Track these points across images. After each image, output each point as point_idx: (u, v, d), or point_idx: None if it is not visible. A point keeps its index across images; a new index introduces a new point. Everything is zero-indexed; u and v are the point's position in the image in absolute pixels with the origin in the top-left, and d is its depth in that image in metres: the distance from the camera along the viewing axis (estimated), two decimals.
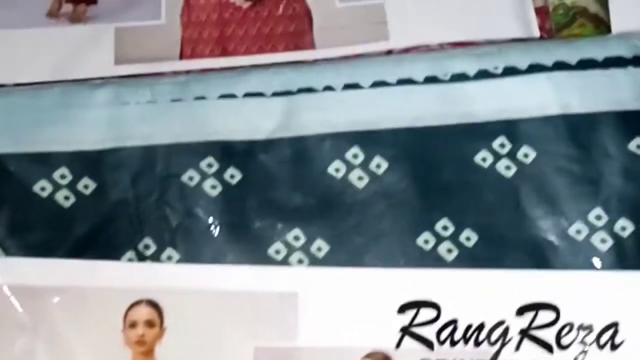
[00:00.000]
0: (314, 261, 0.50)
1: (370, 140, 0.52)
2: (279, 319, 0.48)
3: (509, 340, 0.48)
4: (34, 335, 0.49)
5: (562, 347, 0.48)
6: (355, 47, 0.57)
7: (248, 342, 0.48)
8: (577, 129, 0.52)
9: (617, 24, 0.57)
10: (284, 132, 0.53)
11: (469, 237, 0.51)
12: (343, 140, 0.53)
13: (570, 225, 0.51)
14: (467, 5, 0.58)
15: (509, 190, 0.51)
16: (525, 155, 0.52)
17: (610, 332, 0.48)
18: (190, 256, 0.50)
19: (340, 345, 0.48)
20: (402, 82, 0.54)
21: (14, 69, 0.57)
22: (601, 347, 0.48)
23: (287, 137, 0.53)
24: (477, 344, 0.48)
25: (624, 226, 0.50)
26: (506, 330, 0.48)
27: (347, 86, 0.54)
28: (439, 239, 0.51)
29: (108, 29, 0.58)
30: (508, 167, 0.52)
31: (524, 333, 0.48)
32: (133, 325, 0.48)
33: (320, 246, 0.51)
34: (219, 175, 0.52)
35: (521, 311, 0.48)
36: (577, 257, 0.50)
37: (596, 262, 0.50)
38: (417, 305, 0.49)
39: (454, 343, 0.48)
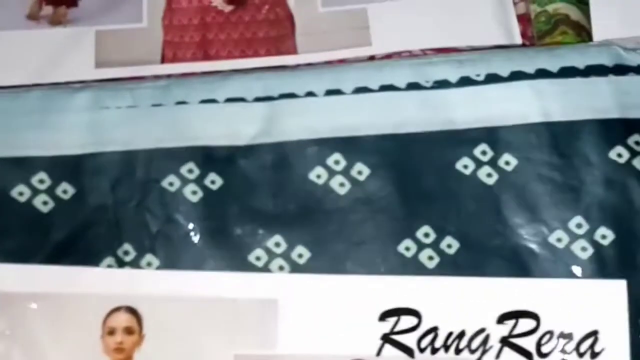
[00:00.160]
0: (295, 268, 0.50)
1: (352, 146, 0.52)
2: (259, 326, 0.48)
3: (490, 348, 0.48)
4: (11, 342, 0.48)
5: (543, 355, 0.48)
6: (338, 52, 0.57)
7: (228, 350, 0.48)
8: (558, 137, 0.52)
9: (599, 31, 0.57)
10: (265, 137, 0.53)
11: (450, 244, 0.51)
12: (324, 146, 0.52)
13: (551, 233, 0.51)
14: (449, 12, 0.58)
15: (490, 197, 0.51)
16: (507, 163, 0.52)
17: (590, 340, 0.48)
18: (170, 262, 0.50)
19: (321, 353, 0.48)
20: (384, 88, 0.54)
21: None
22: (581, 355, 0.48)
23: (269, 143, 0.52)
24: (458, 351, 0.48)
25: (605, 234, 0.50)
26: (487, 338, 0.48)
27: (329, 92, 0.54)
28: (420, 246, 0.51)
29: (89, 31, 0.58)
30: (489, 175, 0.52)
31: (505, 341, 0.48)
32: (112, 332, 0.48)
33: (301, 253, 0.50)
34: (199, 180, 0.52)
35: (502, 319, 0.48)
36: (558, 265, 0.50)
37: (576, 270, 0.50)
38: (398, 312, 0.48)
39: (434, 351, 0.48)
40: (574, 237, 0.51)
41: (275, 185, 0.52)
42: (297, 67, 0.57)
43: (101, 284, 0.49)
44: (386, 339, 0.48)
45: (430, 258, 0.50)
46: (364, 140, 0.52)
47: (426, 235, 0.51)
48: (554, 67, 0.54)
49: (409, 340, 0.48)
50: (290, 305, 0.48)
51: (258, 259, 0.50)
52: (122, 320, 0.48)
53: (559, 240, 0.50)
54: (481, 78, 0.54)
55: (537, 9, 0.59)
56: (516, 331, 0.48)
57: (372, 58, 0.57)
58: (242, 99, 0.53)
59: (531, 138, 0.52)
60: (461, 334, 0.48)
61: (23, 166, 0.52)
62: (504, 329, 0.48)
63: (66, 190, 0.51)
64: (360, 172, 0.52)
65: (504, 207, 0.51)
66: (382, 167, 0.52)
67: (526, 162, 0.52)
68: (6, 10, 0.58)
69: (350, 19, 0.58)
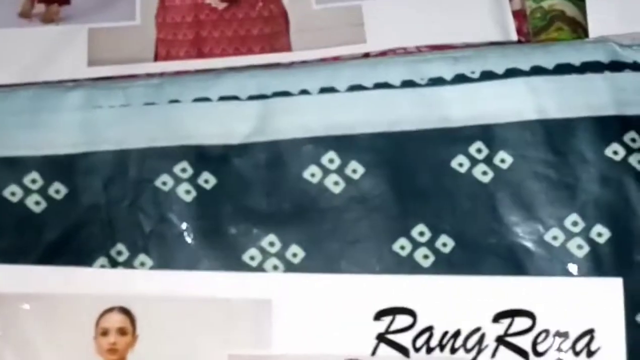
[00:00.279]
0: (290, 267, 0.50)
1: (347, 144, 0.52)
2: (253, 326, 0.48)
3: (485, 347, 0.48)
4: (3, 343, 0.48)
5: (538, 354, 0.48)
6: (332, 49, 0.57)
7: (222, 350, 0.48)
8: (554, 134, 0.52)
9: (595, 28, 0.57)
10: (259, 136, 0.52)
11: (445, 243, 0.50)
12: (319, 144, 0.52)
13: (546, 231, 0.50)
14: (444, 8, 0.58)
15: (485, 195, 0.51)
16: (502, 161, 0.52)
17: (586, 339, 0.48)
18: (163, 262, 0.50)
19: (315, 353, 0.48)
20: (378, 85, 0.53)
21: None
22: (577, 353, 0.48)
23: (262, 142, 0.52)
24: (453, 350, 0.48)
25: (600, 232, 0.50)
26: (482, 337, 0.48)
27: (323, 90, 0.53)
28: (415, 245, 0.50)
29: (81, 29, 0.57)
30: (485, 173, 0.52)
31: (500, 340, 0.48)
32: (105, 332, 0.48)
33: (296, 252, 0.50)
34: (193, 180, 0.51)
35: (497, 318, 0.48)
36: (554, 263, 0.50)
37: (572, 268, 0.50)
38: (393, 312, 0.48)
39: (430, 350, 0.48)
40: (569, 235, 0.50)
41: (270, 184, 0.51)
42: (291, 64, 0.56)
43: (94, 284, 0.49)
44: (381, 338, 0.48)
45: (426, 257, 0.50)
46: (358, 139, 0.52)
47: (421, 234, 0.50)
48: (549, 64, 0.54)
49: (404, 339, 0.48)
50: (285, 305, 0.48)
51: (252, 258, 0.50)
52: (116, 320, 0.48)
53: (554, 238, 0.50)
54: (476, 75, 0.53)
55: (533, 5, 0.58)
56: (512, 330, 0.48)
57: (366, 55, 0.57)
58: (235, 97, 0.53)
59: (526, 135, 0.52)
60: (456, 333, 0.48)
61: (15, 166, 0.51)
62: (500, 328, 0.48)
63: (58, 190, 0.51)
64: (354, 171, 0.52)
65: (500, 205, 0.51)
66: (377, 165, 0.52)
67: (521, 159, 0.52)
68: None
69: (344, 16, 0.58)
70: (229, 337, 0.48)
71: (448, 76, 0.54)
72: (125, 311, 0.48)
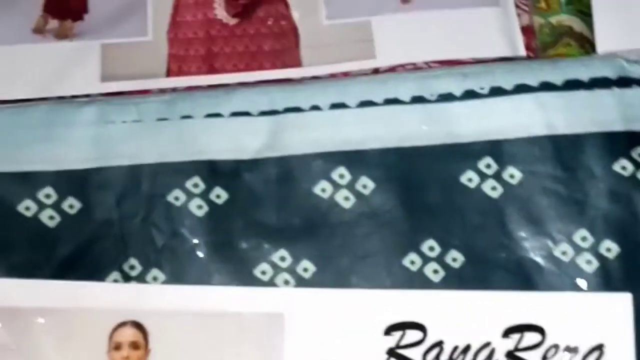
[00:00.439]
0: (301, 282, 0.50)
1: (357, 160, 0.52)
2: (265, 341, 0.48)
3: None
4: (17, 357, 0.48)
5: None
6: (342, 65, 0.57)
7: None
8: (563, 150, 0.53)
9: (602, 43, 0.57)
10: (270, 151, 0.53)
11: (455, 258, 0.51)
12: (329, 160, 0.52)
13: (555, 246, 0.51)
14: (453, 24, 0.58)
15: (495, 211, 0.51)
16: (511, 176, 0.52)
17: (595, 354, 0.48)
18: (175, 277, 0.50)
19: None
20: (389, 101, 0.54)
21: None
22: None
23: (273, 157, 0.52)
24: None
25: (609, 247, 0.51)
26: (492, 352, 0.48)
27: (334, 106, 0.54)
28: (425, 260, 0.51)
29: (94, 45, 0.58)
30: (494, 188, 0.52)
31: (510, 355, 0.48)
32: (118, 347, 0.48)
33: (307, 267, 0.51)
34: (204, 195, 0.52)
35: (507, 333, 0.48)
36: (563, 278, 0.50)
37: (582, 283, 0.50)
38: (404, 326, 0.49)
39: None
40: (578, 250, 0.51)
41: (280, 199, 0.52)
42: (301, 80, 0.57)
43: (107, 298, 0.49)
44: (392, 353, 0.48)
45: (435, 272, 0.50)
46: (368, 154, 0.52)
47: (431, 248, 0.51)
48: (558, 80, 0.54)
49: (415, 354, 0.48)
50: (296, 320, 0.48)
51: (263, 273, 0.50)
52: (128, 335, 0.48)
53: (564, 253, 0.51)
54: (485, 91, 0.54)
55: (541, 20, 0.59)
56: (522, 345, 0.48)
57: (376, 71, 0.57)
58: (247, 113, 0.54)
59: (535, 151, 0.53)
60: (466, 348, 0.48)
61: (29, 181, 0.52)
62: (510, 343, 0.48)
63: (72, 205, 0.52)
64: (365, 186, 0.52)
65: (509, 220, 0.51)
66: (387, 180, 0.52)
67: (530, 175, 0.52)
68: (12, 24, 0.58)
69: (354, 32, 0.58)
70: (241, 351, 0.48)
71: (457, 92, 0.54)
72: (138, 325, 0.48)
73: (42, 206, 0.51)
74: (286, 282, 0.50)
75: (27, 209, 0.51)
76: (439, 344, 0.48)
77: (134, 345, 0.48)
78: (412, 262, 0.51)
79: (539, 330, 0.48)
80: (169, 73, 0.58)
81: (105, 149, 0.52)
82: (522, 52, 0.58)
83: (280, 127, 0.53)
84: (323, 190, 0.52)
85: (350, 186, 0.52)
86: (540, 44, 0.58)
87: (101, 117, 0.53)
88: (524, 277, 0.50)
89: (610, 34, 0.57)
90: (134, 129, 0.53)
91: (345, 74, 0.57)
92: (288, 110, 0.54)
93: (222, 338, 0.48)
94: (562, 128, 0.53)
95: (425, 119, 0.53)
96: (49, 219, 0.51)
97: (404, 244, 0.51)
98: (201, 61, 0.58)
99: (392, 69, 0.57)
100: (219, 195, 0.52)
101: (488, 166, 0.52)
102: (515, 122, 0.53)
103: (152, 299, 0.49)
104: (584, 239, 0.51)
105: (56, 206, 0.51)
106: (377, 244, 0.51)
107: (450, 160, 0.52)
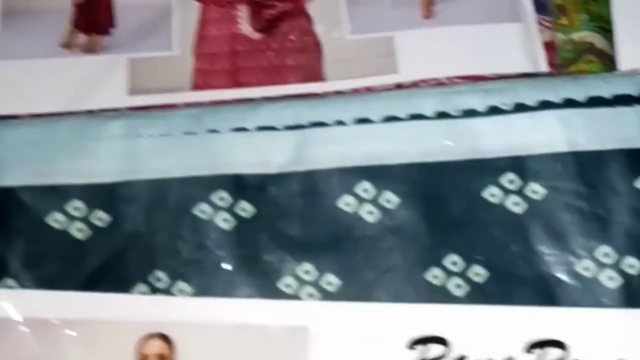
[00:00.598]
0: (325, 295, 0.51)
1: (381, 175, 0.53)
2: (289, 353, 0.49)
3: None
4: None
5: None
6: (365, 79, 0.58)
7: None
8: (585, 166, 0.53)
9: (624, 60, 0.57)
10: (295, 166, 0.53)
11: (478, 272, 0.51)
12: (354, 174, 0.53)
13: (578, 262, 0.51)
14: (475, 39, 0.59)
15: (517, 226, 0.52)
16: (534, 192, 0.53)
17: None
18: (201, 289, 0.51)
19: None
20: (412, 117, 0.54)
21: (28, 100, 0.57)
22: None
23: (299, 171, 0.53)
24: None
25: (632, 264, 0.51)
26: None
27: (358, 120, 0.54)
28: (448, 274, 0.51)
29: (121, 59, 0.59)
30: (517, 203, 0.52)
31: None
32: (145, 359, 0.49)
33: (331, 280, 0.51)
34: (230, 208, 0.52)
35: (530, 348, 0.49)
36: (586, 294, 0.50)
37: (604, 299, 0.50)
38: (427, 340, 0.49)
39: None
40: (601, 266, 0.51)
41: (305, 213, 0.52)
42: (325, 94, 0.57)
43: (134, 310, 0.50)
44: None
45: (458, 286, 0.51)
46: (392, 169, 0.53)
47: (454, 263, 0.51)
48: (580, 97, 0.54)
49: None
50: (320, 333, 0.49)
51: (288, 286, 0.51)
52: (155, 347, 0.49)
53: (586, 269, 0.51)
54: (508, 107, 0.54)
55: (563, 37, 0.59)
56: None
57: (399, 86, 0.58)
58: (272, 128, 0.54)
59: (558, 167, 0.53)
60: None
61: (58, 194, 0.52)
62: (532, 358, 0.49)
63: (101, 217, 0.52)
64: (388, 201, 0.53)
65: (531, 235, 0.52)
66: (411, 195, 0.53)
67: (553, 191, 0.52)
68: (40, 39, 0.59)
69: (377, 47, 0.59)
70: None
71: (481, 108, 0.54)
72: (164, 337, 0.49)
73: (71, 219, 0.52)
74: (310, 295, 0.51)
75: (57, 221, 0.52)
76: (462, 358, 0.49)
77: (161, 357, 0.49)
78: (435, 277, 0.51)
79: (561, 345, 0.49)
80: (195, 87, 0.58)
81: (133, 163, 0.53)
82: (544, 67, 0.58)
83: (305, 142, 0.54)
84: (347, 204, 0.53)
85: (374, 201, 0.53)
86: (562, 60, 0.59)
87: (129, 131, 0.54)
88: (547, 293, 0.50)
89: (632, 50, 0.58)
90: (161, 142, 0.54)
91: (368, 89, 0.58)
92: (313, 124, 0.54)
93: (247, 350, 0.49)
94: (584, 144, 0.53)
95: (449, 135, 0.54)
96: (78, 231, 0.52)
97: (427, 258, 0.51)
98: (226, 75, 0.59)
99: (414, 84, 0.58)
100: (245, 208, 0.53)
101: (511, 182, 0.53)
102: (538, 138, 0.54)
103: (178, 311, 0.50)
104: (606, 255, 0.51)
105: (85, 219, 0.52)
106: (400, 258, 0.51)
107: (473, 176, 0.53)
